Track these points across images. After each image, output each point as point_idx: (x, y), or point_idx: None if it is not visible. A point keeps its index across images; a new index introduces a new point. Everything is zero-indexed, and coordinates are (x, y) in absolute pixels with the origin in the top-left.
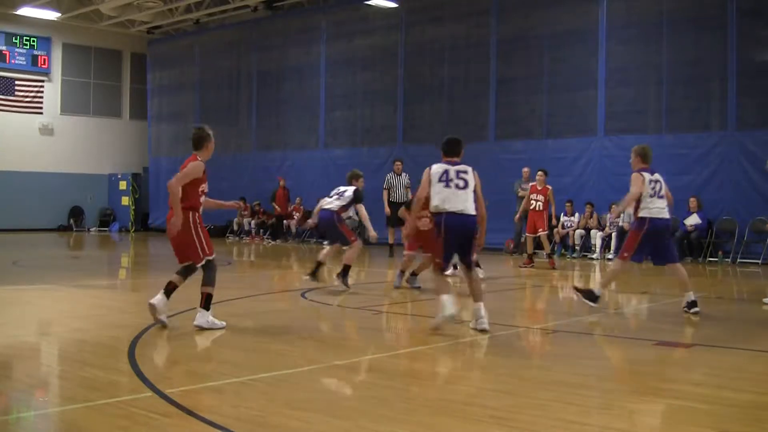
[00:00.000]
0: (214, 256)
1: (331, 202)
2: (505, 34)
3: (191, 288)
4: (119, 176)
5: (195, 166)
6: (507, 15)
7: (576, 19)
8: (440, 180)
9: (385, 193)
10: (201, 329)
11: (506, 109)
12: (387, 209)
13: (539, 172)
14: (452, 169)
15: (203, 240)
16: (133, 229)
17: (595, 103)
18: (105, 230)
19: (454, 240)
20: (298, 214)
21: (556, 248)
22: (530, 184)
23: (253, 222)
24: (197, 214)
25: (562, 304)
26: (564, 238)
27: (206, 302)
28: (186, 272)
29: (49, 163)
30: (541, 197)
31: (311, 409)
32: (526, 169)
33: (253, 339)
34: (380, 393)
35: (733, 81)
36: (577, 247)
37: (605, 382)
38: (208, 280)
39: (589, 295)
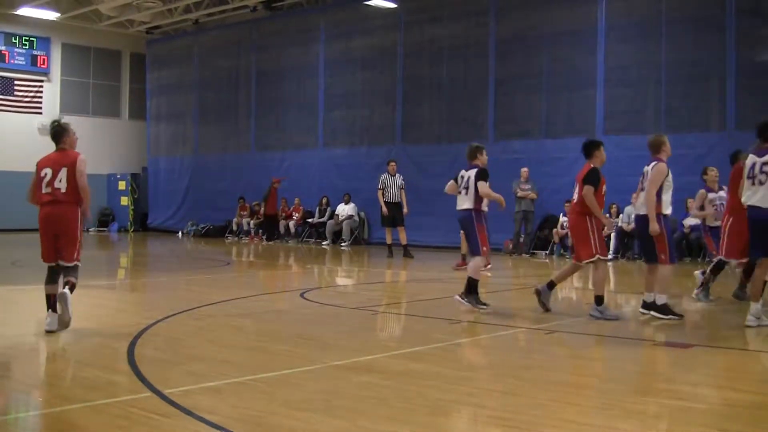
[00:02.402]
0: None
1: (463, 197)
2: (504, 33)
3: (191, 290)
4: (118, 176)
5: (84, 160)
6: (506, 15)
7: (575, 18)
8: (748, 176)
9: (380, 193)
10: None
11: (505, 108)
12: (384, 209)
13: None
14: (758, 162)
15: (81, 238)
16: (132, 229)
17: (594, 102)
18: (104, 230)
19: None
20: (297, 214)
21: (555, 248)
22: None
23: (252, 222)
24: (79, 209)
25: (562, 305)
26: (563, 238)
27: (72, 288)
28: (58, 274)
29: None
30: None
31: (310, 409)
32: (524, 170)
33: (252, 339)
34: (379, 393)
35: (732, 80)
36: None
37: (605, 383)
38: (74, 272)
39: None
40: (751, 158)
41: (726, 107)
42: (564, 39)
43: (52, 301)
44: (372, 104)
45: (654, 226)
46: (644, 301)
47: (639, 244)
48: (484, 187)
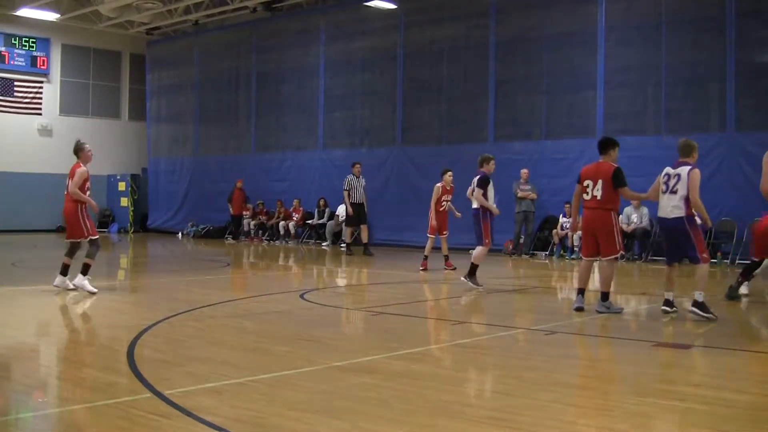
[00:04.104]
0: (97, 237)
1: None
2: (504, 35)
3: (191, 291)
4: (118, 177)
5: (80, 172)
6: (506, 16)
7: (575, 20)
8: None
9: (345, 194)
10: (74, 288)
11: (505, 110)
12: (350, 209)
13: (449, 172)
14: None
15: (88, 224)
16: (132, 230)
17: (594, 104)
18: (104, 231)
19: None
20: (297, 215)
21: (555, 249)
22: (439, 185)
23: (252, 223)
24: (83, 205)
25: (562, 305)
26: (563, 239)
27: (84, 269)
28: (72, 250)
29: (48, 164)
30: (450, 197)
31: (310, 410)
32: (524, 171)
33: (252, 340)
34: (379, 394)
35: (731, 82)
36: (576, 249)
37: (605, 384)
38: (90, 254)
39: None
40: None
41: (726, 109)
42: (564, 41)
43: (63, 268)
44: (372, 105)
45: (708, 223)
46: (667, 300)
47: (667, 246)
48: (477, 193)
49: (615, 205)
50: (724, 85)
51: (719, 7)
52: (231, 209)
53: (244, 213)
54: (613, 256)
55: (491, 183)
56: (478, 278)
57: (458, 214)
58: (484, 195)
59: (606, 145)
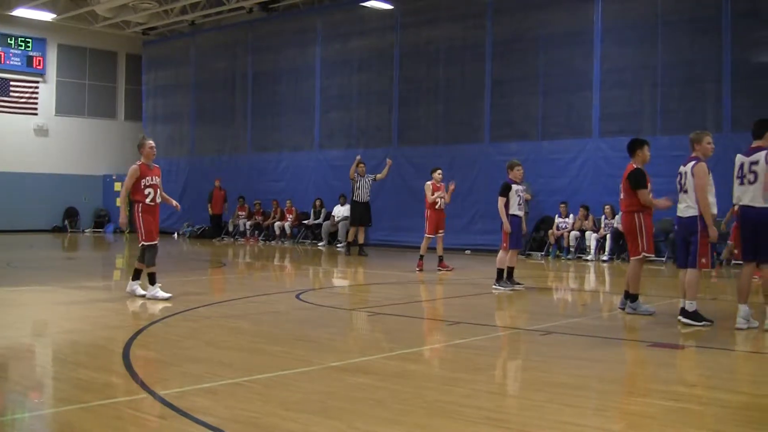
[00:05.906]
0: (153, 242)
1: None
2: (501, 35)
3: (187, 291)
4: (114, 177)
5: (130, 170)
6: (502, 17)
7: (571, 20)
8: (736, 176)
9: (352, 181)
10: (131, 294)
11: (501, 110)
12: (355, 176)
13: (438, 170)
14: (746, 162)
15: (143, 228)
16: (128, 231)
17: (590, 104)
18: (100, 231)
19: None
20: (290, 215)
21: (551, 249)
22: (430, 183)
23: (248, 223)
24: (140, 206)
25: (558, 306)
26: (559, 239)
27: (135, 274)
28: (142, 254)
29: (43, 164)
30: (443, 194)
31: (306, 410)
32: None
33: (248, 340)
34: (375, 394)
35: (727, 82)
36: (572, 249)
37: (600, 384)
38: (142, 258)
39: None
40: (739, 158)
41: (722, 109)
42: (560, 41)
43: (134, 273)
44: (368, 106)
45: (713, 232)
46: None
47: (681, 249)
48: (499, 201)
49: (637, 207)
50: (721, 86)
51: (716, 8)
52: (210, 209)
53: (239, 213)
54: (637, 257)
55: (513, 190)
56: (513, 280)
57: (452, 186)
58: (507, 204)
59: (632, 147)
